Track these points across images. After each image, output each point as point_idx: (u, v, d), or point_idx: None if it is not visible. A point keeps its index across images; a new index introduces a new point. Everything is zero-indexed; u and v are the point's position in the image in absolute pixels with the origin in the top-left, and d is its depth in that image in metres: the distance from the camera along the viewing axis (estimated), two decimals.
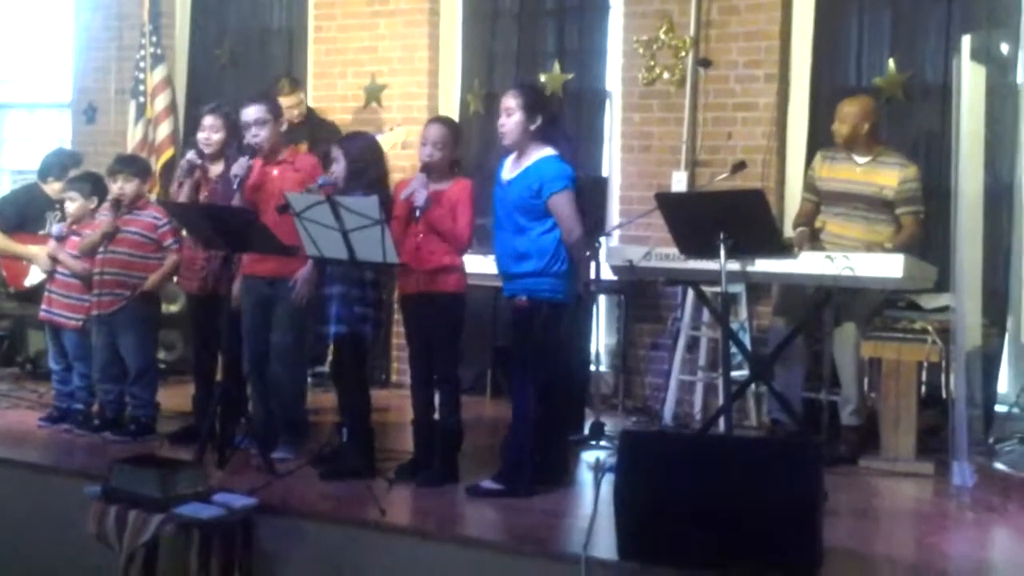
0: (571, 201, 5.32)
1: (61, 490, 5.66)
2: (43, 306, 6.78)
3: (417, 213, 5.43)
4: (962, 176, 5.79)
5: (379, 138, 7.05)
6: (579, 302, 5.78)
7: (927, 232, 6.56)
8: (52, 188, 7.66)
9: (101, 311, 6.46)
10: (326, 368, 7.41)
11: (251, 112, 6.01)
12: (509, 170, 5.49)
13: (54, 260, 6.73)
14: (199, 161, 6.31)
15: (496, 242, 5.52)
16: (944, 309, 6.11)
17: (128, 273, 6.45)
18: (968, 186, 5.84)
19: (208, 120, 6.37)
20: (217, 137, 6.34)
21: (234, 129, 6.30)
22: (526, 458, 5.37)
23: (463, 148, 5.95)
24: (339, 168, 5.67)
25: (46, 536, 5.68)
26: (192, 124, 9.08)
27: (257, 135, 5.98)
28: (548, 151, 5.40)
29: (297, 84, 8.12)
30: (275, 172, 6.04)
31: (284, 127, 6.21)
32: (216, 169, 6.33)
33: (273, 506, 5.11)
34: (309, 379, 6.91)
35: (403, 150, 8.19)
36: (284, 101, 7.27)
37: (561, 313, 5.41)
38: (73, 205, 6.74)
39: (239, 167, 5.94)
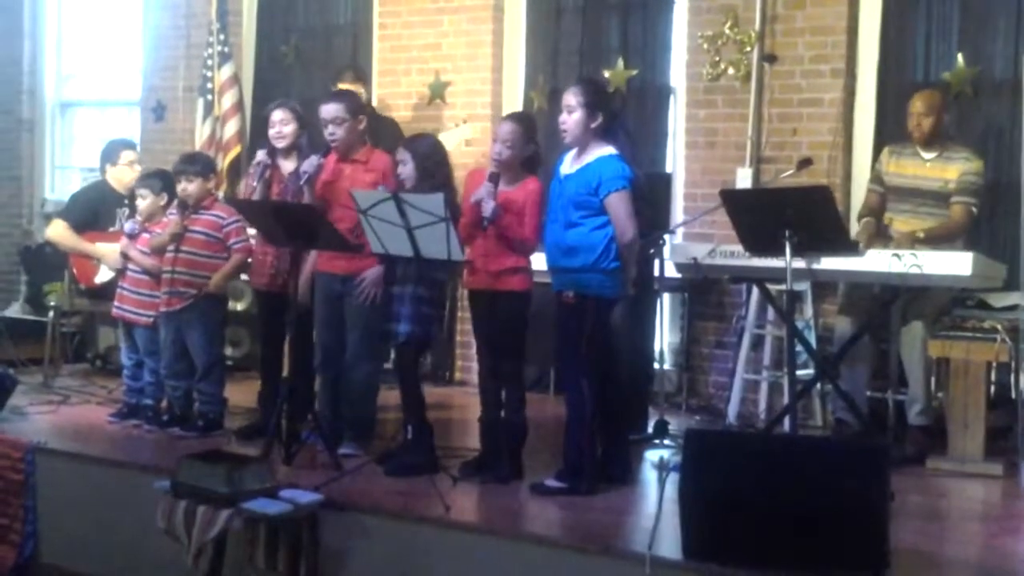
0: (627, 202, 5.29)
1: (131, 485, 5.74)
2: (115, 303, 6.87)
3: (485, 224, 5.40)
4: None
5: (443, 136, 7.04)
6: (629, 299, 5.72)
7: (995, 229, 6.48)
8: (114, 176, 7.76)
9: (169, 308, 6.54)
10: (389, 365, 7.43)
11: (329, 110, 5.98)
12: (568, 165, 5.47)
13: (125, 257, 6.82)
14: (269, 162, 6.31)
15: (546, 235, 5.49)
16: (1014, 308, 6.03)
17: (195, 272, 6.50)
18: None
19: (277, 115, 6.35)
20: (289, 129, 6.31)
21: (303, 121, 6.33)
22: (585, 455, 5.37)
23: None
24: (407, 170, 5.65)
25: (116, 530, 5.78)
26: (259, 121, 9.21)
27: (334, 133, 5.96)
28: (609, 150, 5.36)
29: (361, 77, 8.13)
30: (347, 170, 6.03)
31: (363, 125, 6.12)
32: (289, 165, 6.31)
33: (339, 502, 5.15)
34: None
35: (467, 147, 8.21)
36: None
37: (609, 309, 5.39)
38: (144, 202, 6.81)
39: (309, 164, 5.94)
